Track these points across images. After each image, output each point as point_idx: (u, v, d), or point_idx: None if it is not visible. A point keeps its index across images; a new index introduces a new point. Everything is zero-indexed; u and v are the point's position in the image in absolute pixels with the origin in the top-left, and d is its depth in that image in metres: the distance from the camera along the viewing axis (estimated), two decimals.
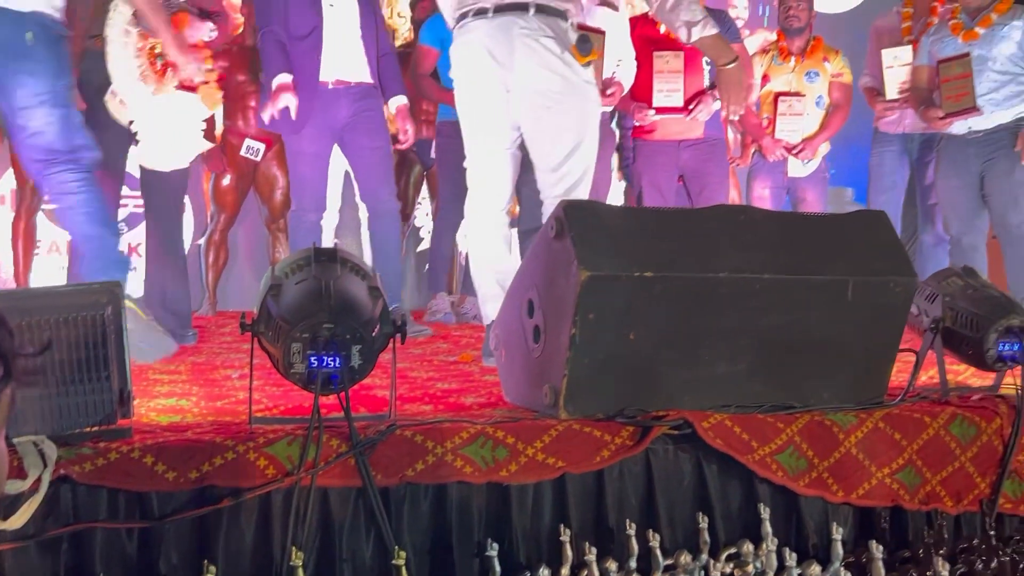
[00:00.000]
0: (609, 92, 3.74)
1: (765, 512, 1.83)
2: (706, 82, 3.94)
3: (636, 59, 3.95)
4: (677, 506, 1.82)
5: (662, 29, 3.88)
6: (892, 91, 4.26)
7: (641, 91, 3.99)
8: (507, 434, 1.70)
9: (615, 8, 3.93)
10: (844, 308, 2.04)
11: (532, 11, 2.56)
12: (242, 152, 4.81)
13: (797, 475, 1.90)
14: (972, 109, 3.83)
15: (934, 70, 3.97)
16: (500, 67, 2.57)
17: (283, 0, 3.61)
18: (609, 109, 3.92)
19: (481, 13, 2.59)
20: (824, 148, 4.65)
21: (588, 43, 2.58)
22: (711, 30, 2.65)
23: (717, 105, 3.76)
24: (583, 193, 2.64)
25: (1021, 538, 2.03)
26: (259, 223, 5.09)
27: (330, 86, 3.63)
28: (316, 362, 1.59)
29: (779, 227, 2.08)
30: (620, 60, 3.87)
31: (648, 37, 3.97)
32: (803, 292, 2.00)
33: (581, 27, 3.55)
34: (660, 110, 3.93)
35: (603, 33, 3.59)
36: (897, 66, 4.26)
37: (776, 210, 2.24)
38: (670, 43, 3.91)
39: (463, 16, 2.64)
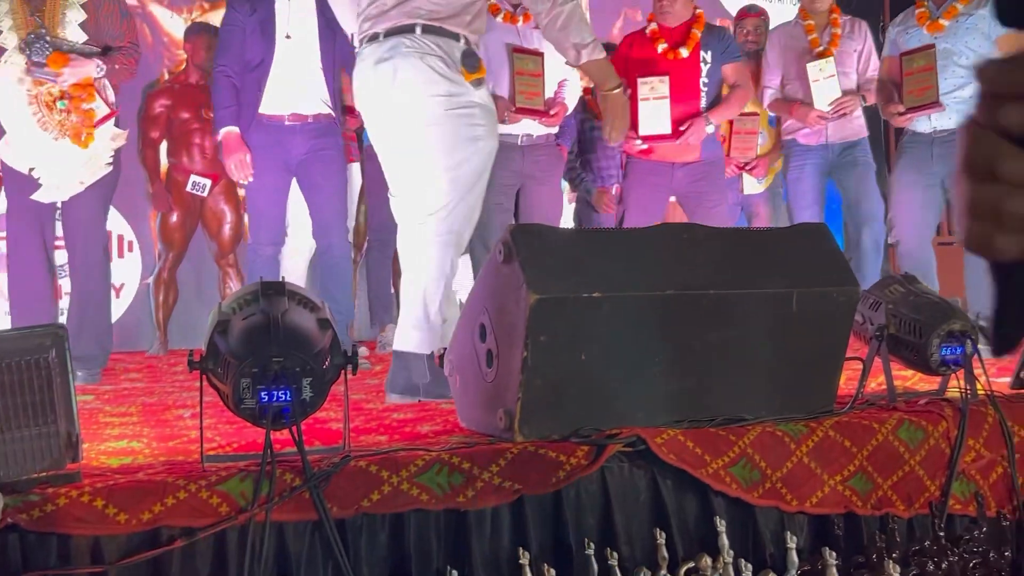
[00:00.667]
0: (552, 112, 3.72)
1: (721, 525, 1.85)
2: (702, 104, 3.88)
3: (628, 81, 3.80)
4: (635, 523, 1.83)
5: (660, 49, 3.85)
6: (822, 104, 4.12)
7: (632, 116, 3.88)
8: (463, 460, 1.71)
9: None
10: (790, 320, 2.08)
11: (419, 31, 2.57)
12: (188, 188, 4.79)
13: (751, 487, 1.92)
14: (935, 104, 3.65)
15: (898, 62, 3.82)
16: (390, 88, 2.59)
17: (242, 32, 3.60)
18: (554, 130, 3.89)
19: (374, 39, 2.63)
20: (777, 165, 4.72)
21: (474, 59, 2.58)
22: (599, 54, 2.66)
23: (712, 127, 3.82)
24: (462, 211, 2.59)
25: (971, 537, 2.06)
26: (209, 259, 5.04)
27: (286, 121, 3.60)
28: (266, 396, 1.58)
29: (723, 243, 2.11)
30: (565, 80, 3.85)
31: (645, 59, 3.91)
32: (749, 306, 2.04)
33: (517, 49, 3.59)
34: (647, 138, 3.85)
35: (541, 55, 3.62)
36: (823, 78, 4.12)
37: (720, 227, 2.26)
38: (655, 68, 3.87)
39: (360, 43, 2.68)
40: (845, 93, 4.07)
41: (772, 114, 4.62)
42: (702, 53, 3.88)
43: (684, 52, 3.87)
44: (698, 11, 3.96)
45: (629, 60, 3.87)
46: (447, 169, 2.56)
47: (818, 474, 2.02)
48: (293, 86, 3.58)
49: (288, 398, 1.60)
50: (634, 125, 3.76)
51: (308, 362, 1.61)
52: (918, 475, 2.14)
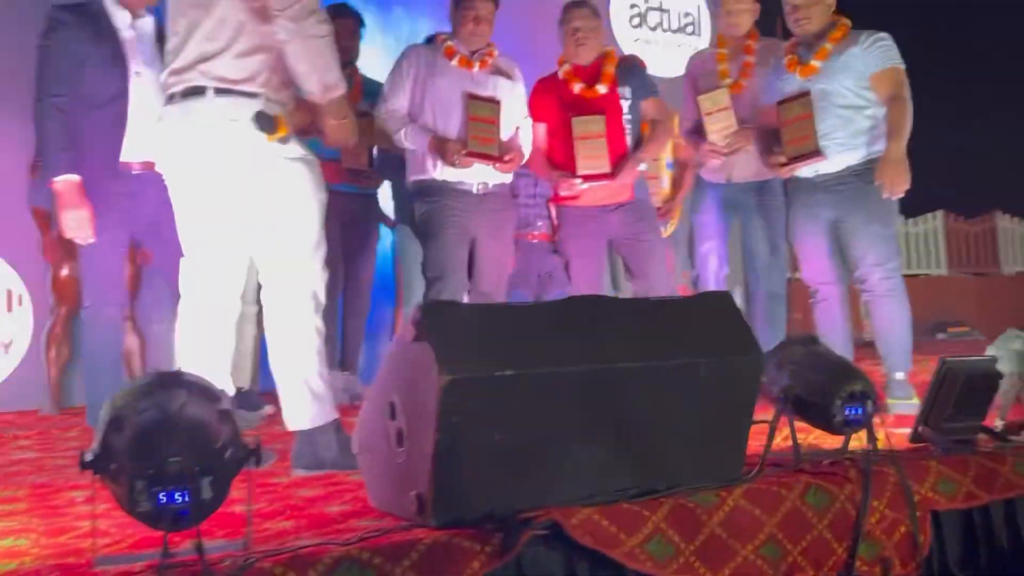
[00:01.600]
0: (507, 158, 3.59)
1: None
2: (628, 142, 3.80)
3: (549, 123, 3.81)
4: None
5: (577, 88, 3.78)
6: (716, 138, 3.89)
7: (560, 158, 3.78)
8: (373, 555, 1.65)
9: (509, 77, 3.77)
10: (698, 389, 2.10)
11: (211, 94, 2.52)
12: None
13: (666, 562, 1.91)
14: (815, 154, 3.51)
15: (775, 110, 3.64)
16: (187, 155, 2.56)
17: (76, 60, 3.15)
18: (508, 179, 3.76)
19: (171, 99, 2.59)
20: (676, 213, 4.77)
21: (267, 119, 2.51)
22: (341, 91, 2.63)
23: (643, 165, 3.77)
24: (298, 271, 2.57)
25: None
26: None
27: (135, 170, 3.22)
28: (164, 498, 1.51)
29: (631, 315, 2.12)
30: (518, 127, 3.76)
31: (563, 99, 3.80)
32: (659, 377, 2.04)
33: (472, 96, 3.53)
34: (587, 178, 3.69)
35: (498, 103, 3.58)
36: (716, 111, 3.90)
37: (628, 299, 2.24)
38: (588, 105, 3.76)
39: (164, 100, 2.65)
40: (741, 128, 3.86)
41: (669, 160, 4.67)
42: (620, 89, 3.82)
43: (602, 88, 3.79)
44: (608, 47, 3.91)
45: (548, 105, 3.81)
46: (277, 231, 2.54)
47: (731, 544, 2.02)
48: (143, 131, 3.11)
49: (187, 499, 1.52)
50: (569, 166, 3.70)
51: (207, 460, 1.53)
52: (826, 539, 2.18)
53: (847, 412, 2.38)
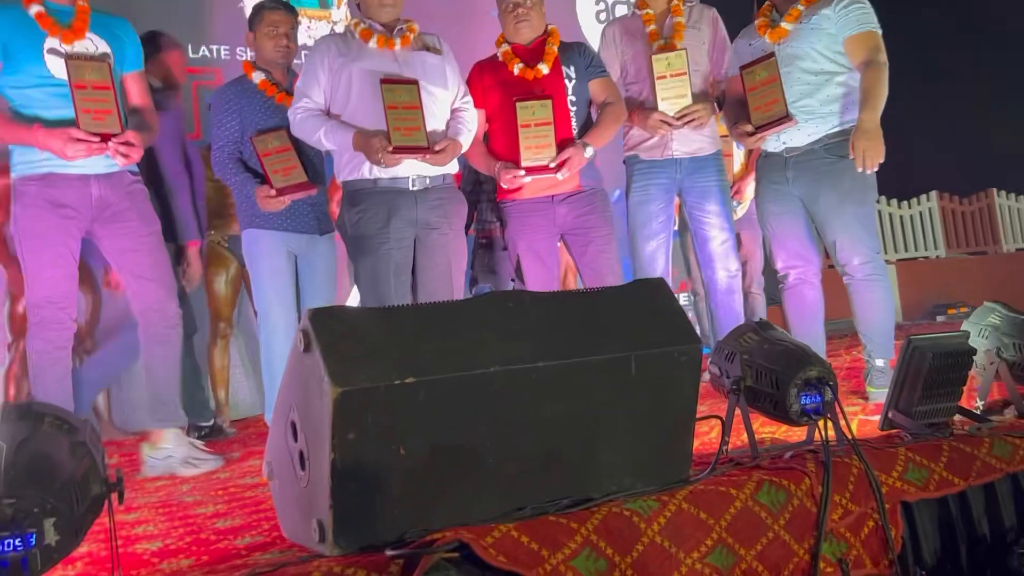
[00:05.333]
0: (439, 147, 3.17)
1: None
2: (573, 126, 3.45)
3: (489, 110, 3.48)
4: None
5: (516, 69, 3.46)
6: (667, 107, 3.52)
7: (503, 148, 3.43)
8: None
9: (438, 51, 3.37)
10: (630, 385, 1.92)
11: None
12: None
13: None
14: (785, 119, 3.23)
15: (739, 78, 3.38)
16: None
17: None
18: (452, 170, 3.38)
19: None
20: (750, 192, 4.32)
21: None
22: None
23: (590, 152, 3.38)
24: None
25: None
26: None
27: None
28: (3, 546, 1.33)
29: (553, 309, 1.94)
30: (459, 110, 3.37)
31: (503, 82, 3.46)
32: (584, 375, 1.87)
33: (386, 80, 3.11)
34: (531, 170, 3.35)
35: (415, 82, 3.16)
36: (670, 75, 3.51)
37: (549, 292, 2.02)
38: (531, 87, 3.42)
39: None
40: (696, 99, 3.54)
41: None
42: (564, 69, 3.48)
43: (544, 68, 3.46)
44: (551, 27, 3.57)
45: (487, 89, 3.49)
46: None
47: (673, 553, 1.84)
48: None
49: (30, 545, 1.35)
50: (513, 156, 3.37)
51: (48, 500, 1.36)
52: (784, 540, 1.99)
53: (803, 400, 2.20)
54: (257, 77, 3.56)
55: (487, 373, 1.78)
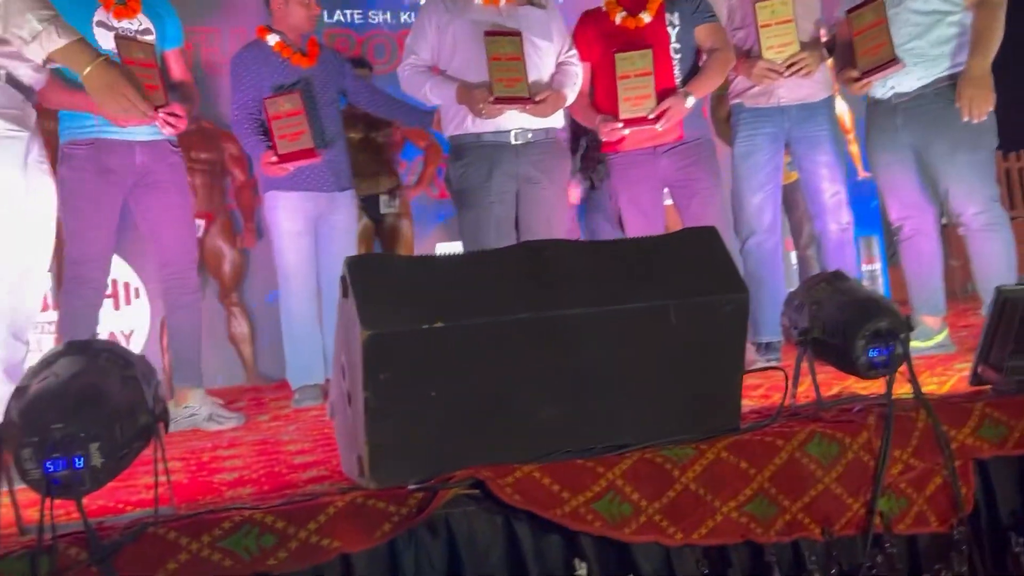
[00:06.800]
0: (540, 98, 3.20)
1: (581, 568, 1.69)
2: (676, 75, 3.39)
3: (593, 63, 3.46)
4: (487, 573, 1.68)
5: (618, 19, 3.40)
6: (772, 56, 3.35)
7: (604, 101, 3.41)
8: (277, 518, 1.59)
9: (542, 6, 3.38)
10: (670, 334, 1.91)
11: None
12: None
13: (620, 522, 1.75)
14: (892, 63, 3.09)
15: (847, 22, 3.23)
16: None
17: None
18: (557, 123, 3.41)
19: None
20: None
21: None
22: (55, 42, 2.21)
23: (692, 101, 3.32)
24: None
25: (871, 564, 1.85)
26: (213, 299, 5.06)
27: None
28: (52, 466, 1.50)
29: (592, 258, 1.95)
30: (565, 63, 3.40)
31: (605, 33, 3.41)
32: (619, 323, 1.87)
33: (490, 32, 3.17)
34: (629, 122, 3.31)
35: (519, 34, 3.20)
36: (775, 23, 3.34)
37: (592, 241, 2.01)
38: (632, 37, 3.35)
39: None
40: (804, 47, 3.35)
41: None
42: (668, 16, 3.40)
43: (646, 17, 3.39)
44: None
45: (590, 41, 3.46)
46: None
47: (708, 501, 1.83)
48: None
49: (79, 466, 1.52)
50: (613, 108, 3.33)
51: (94, 427, 1.52)
52: (835, 493, 1.94)
53: (871, 353, 2.11)
54: (272, 40, 3.66)
55: (518, 319, 1.82)
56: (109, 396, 1.59)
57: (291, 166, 3.52)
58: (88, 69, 2.27)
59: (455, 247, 4.38)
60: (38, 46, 2.21)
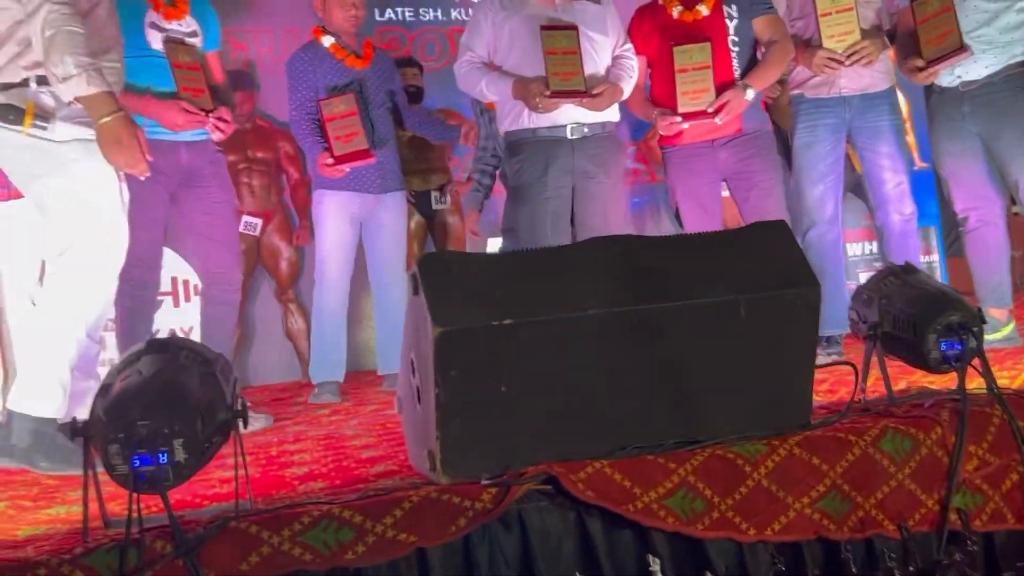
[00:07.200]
0: (597, 91, 3.19)
1: (655, 564, 1.69)
2: (735, 68, 3.37)
3: (649, 56, 3.45)
4: (558, 569, 1.69)
5: (676, 13, 3.38)
6: (832, 45, 3.29)
7: (662, 94, 3.40)
8: (355, 513, 1.61)
9: (597, 1, 3.38)
10: (739, 329, 1.90)
11: None
12: (240, 229, 4.86)
13: (693, 518, 1.75)
14: (959, 50, 3.04)
15: (909, 11, 3.20)
16: None
17: None
18: (612, 117, 3.38)
19: None
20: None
21: (11, 110, 2.41)
22: (87, 88, 2.34)
23: (751, 94, 3.30)
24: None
25: (952, 561, 1.83)
26: (269, 296, 5.13)
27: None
28: (138, 462, 1.54)
29: (662, 253, 1.95)
30: (621, 56, 3.38)
31: (662, 26, 3.40)
32: (687, 319, 1.87)
33: (546, 27, 3.16)
34: (688, 116, 3.29)
35: (575, 28, 3.19)
36: (835, 11, 3.29)
37: (661, 236, 2.00)
38: (690, 30, 3.32)
39: None
40: (865, 35, 3.28)
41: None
42: (726, 8, 3.39)
43: (703, 9, 3.36)
44: None
45: (646, 35, 3.45)
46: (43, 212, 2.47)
47: (781, 498, 1.83)
48: None
49: (162, 462, 1.55)
50: (671, 102, 3.31)
51: (177, 423, 1.55)
52: (909, 489, 1.92)
53: (943, 347, 2.08)
54: (327, 41, 3.69)
55: (586, 315, 1.82)
56: (190, 393, 1.62)
57: (347, 167, 3.56)
58: (105, 119, 2.38)
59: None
60: (68, 88, 2.35)
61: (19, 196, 2.96)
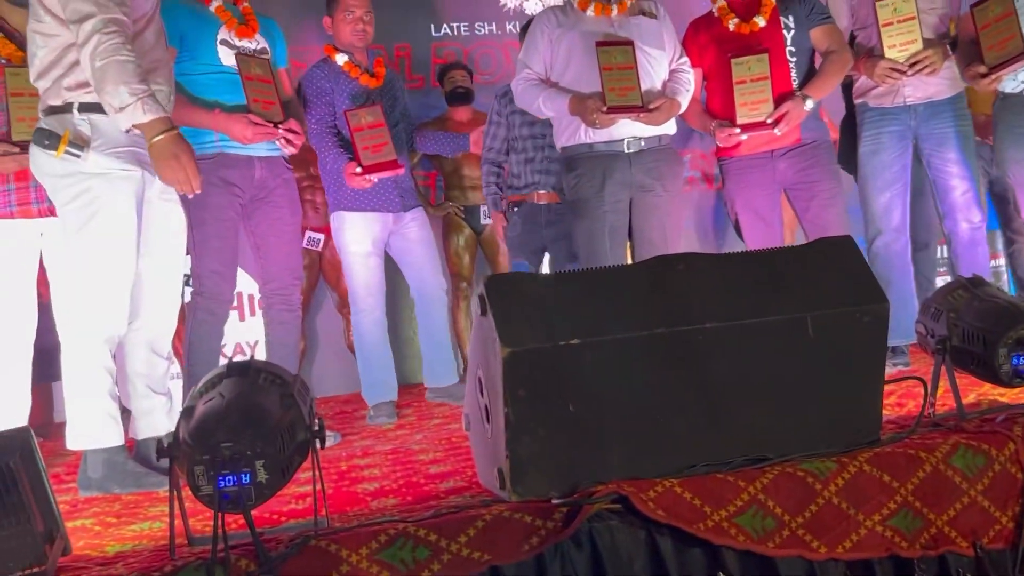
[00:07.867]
0: (654, 106, 3.19)
1: None
2: (793, 78, 3.37)
3: (706, 68, 3.47)
4: None
5: (732, 25, 3.40)
6: (895, 54, 3.27)
7: (719, 106, 3.42)
8: (429, 531, 1.65)
9: (654, 16, 3.38)
10: (807, 346, 1.90)
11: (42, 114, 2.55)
12: (304, 244, 4.95)
13: (764, 536, 1.76)
14: (1022, 55, 3.00)
15: (970, 17, 3.14)
16: None
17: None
18: (669, 130, 3.37)
19: None
20: None
21: (48, 135, 2.49)
22: (143, 116, 2.41)
23: (810, 104, 3.30)
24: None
25: None
26: (331, 309, 5.22)
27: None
28: (222, 482, 1.60)
29: (727, 271, 1.96)
30: (678, 70, 3.39)
31: (719, 38, 3.42)
32: (755, 336, 1.88)
33: (601, 43, 3.18)
34: (747, 127, 3.31)
35: (630, 43, 3.20)
36: (897, 21, 3.25)
37: (725, 253, 1.99)
38: (747, 42, 3.34)
39: None
40: (928, 44, 3.25)
41: None
42: (783, 19, 3.38)
43: (760, 21, 3.37)
44: None
45: (702, 47, 3.47)
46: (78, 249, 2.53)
47: (851, 515, 1.82)
48: None
49: (246, 482, 1.61)
50: (729, 113, 3.33)
51: (259, 444, 1.60)
52: (982, 506, 1.90)
53: (1016, 361, 2.07)
54: (341, 59, 3.68)
55: (651, 335, 1.84)
56: (270, 415, 1.67)
57: (375, 177, 3.56)
58: (159, 137, 2.45)
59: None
60: (125, 117, 2.42)
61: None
